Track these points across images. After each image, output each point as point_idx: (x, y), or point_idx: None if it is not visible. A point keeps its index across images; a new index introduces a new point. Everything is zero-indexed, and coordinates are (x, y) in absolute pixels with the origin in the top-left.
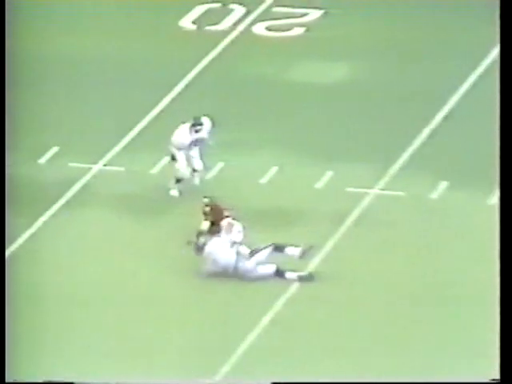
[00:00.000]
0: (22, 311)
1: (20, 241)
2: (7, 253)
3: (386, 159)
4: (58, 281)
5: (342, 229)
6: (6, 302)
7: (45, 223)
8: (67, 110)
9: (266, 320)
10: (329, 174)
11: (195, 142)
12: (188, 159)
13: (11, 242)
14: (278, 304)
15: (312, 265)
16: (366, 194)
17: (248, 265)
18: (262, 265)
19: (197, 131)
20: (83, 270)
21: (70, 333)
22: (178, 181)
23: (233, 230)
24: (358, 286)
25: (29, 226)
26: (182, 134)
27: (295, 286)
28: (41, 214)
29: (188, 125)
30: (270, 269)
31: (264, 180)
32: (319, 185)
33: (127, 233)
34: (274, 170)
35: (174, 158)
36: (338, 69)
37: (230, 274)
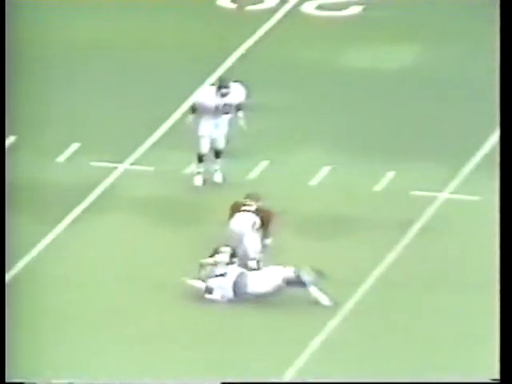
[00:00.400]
0: (23, 312)
1: (36, 249)
2: (23, 262)
3: (456, 158)
4: (73, 287)
5: (406, 238)
6: (7, 305)
7: (64, 230)
8: (89, 102)
9: (317, 341)
10: (390, 174)
11: (223, 109)
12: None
13: (26, 251)
14: (332, 323)
15: (371, 278)
16: (434, 198)
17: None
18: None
19: (223, 95)
20: (103, 278)
21: (71, 333)
22: (200, 159)
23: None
24: (423, 301)
25: (45, 233)
26: (207, 96)
27: (351, 303)
28: (59, 220)
29: (214, 87)
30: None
31: (314, 181)
32: (379, 187)
33: (156, 240)
34: (325, 170)
35: (194, 111)
36: (400, 53)
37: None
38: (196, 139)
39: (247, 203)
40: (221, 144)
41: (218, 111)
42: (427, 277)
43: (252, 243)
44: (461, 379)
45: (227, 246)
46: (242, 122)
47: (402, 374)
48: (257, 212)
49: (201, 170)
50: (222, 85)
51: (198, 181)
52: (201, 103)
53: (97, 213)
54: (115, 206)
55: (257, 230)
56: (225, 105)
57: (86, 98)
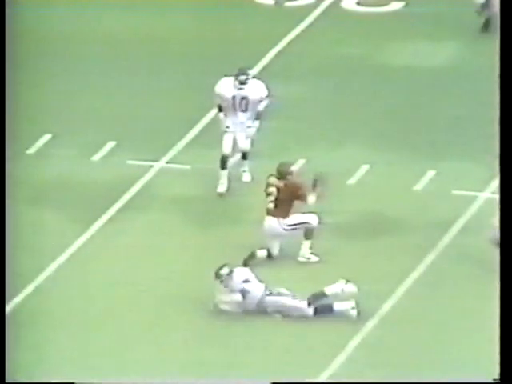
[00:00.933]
0: (30, 312)
1: (72, 248)
2: (57, 262)
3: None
4: (105, 286)
5: (446, 238)
6: (10, 305)
7: (99, 229)
8: (124, 100)
9: (353, 343)
10: (430, 173)
11: (241, 105)
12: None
13: (61, 251)
14: (368, 325)
15: (409, 280)
16: (475, 197)
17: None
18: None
19: (241, 82)
20: (137, 278)
21: (72, 333)
22: (223, 163)
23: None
24: (462, 303)
25: (81, 232)
26: (225, 85)
27: (389, 304)
28: (94, 219)
29: (233, 78)
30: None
31: (352, 181)
32: (419, 187)
33: (193, 241)
34: (364, 168)
35: (221, 110)
36: (441, 50)
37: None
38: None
39: (270, 190)
40: (246, 147)
41: (236, 106)
42: (466, 278)
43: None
44: (461, 379)
45: (262, 248)
46: (252, 134)
47: (401, 374)
48: (277, 197)
49: (224, 179)
50: (240, 72)
51: (222, 188)
52: (219, 94)
53: (133, 212)
54: (151, 205)
55: (286, 227)
56: (242, 98)
57: (122, 96)
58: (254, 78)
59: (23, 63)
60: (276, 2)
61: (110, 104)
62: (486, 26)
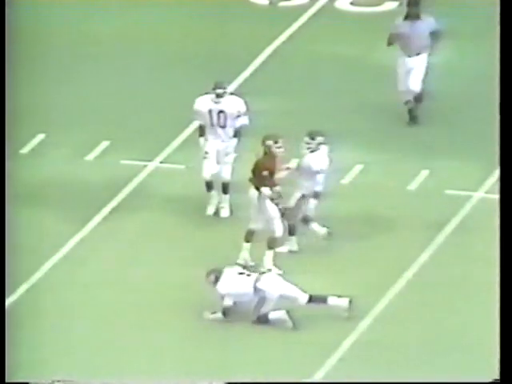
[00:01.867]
0: (24, 312)
1: (64, 249)
2: (51, 262)
3: (492, 156)
4: (96, 286)
5: (440, 238)
6: (13, 305)
7: (93, 229)
8: (118, 99)
9: (347, 343)
10: (424, 173)
11: (219, 120)
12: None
13: (55, 251)
14: (362, 324)
15: (404, 279)
16: (469, 197)
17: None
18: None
19: (217, 95)
20: (130, 278)
21: (67, 333)
22: (209, 186)
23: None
24: (458, 303)
25: (74, 232)
26: (201, 101)
27: (382, 304)
28: (88, 219)
29: (210, 94)
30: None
31: (346, 180)
32: (412, 186)
33: (187, 240)
34: (357, 168)
35: (202, 134)
36: (437, 50)
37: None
38: None
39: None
40: (227, 174)
41: (214, 121)
42: (460, 277)
43: (271, 217)
44: (461, 379)
45: (247, 241)
46: (231, 160)
47: (401, 374)
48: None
49: (213, 200)
50: (216, 86)
51: (211, 209)
52: (196, 110)
53: (126, 212)
54: (145, 205)
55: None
56: (219, 112)
57: (116, 96)
58: (232, 94)
59: (19, 63)
60: (270, 2)
61: (103, 103)
62: (413, 117)
